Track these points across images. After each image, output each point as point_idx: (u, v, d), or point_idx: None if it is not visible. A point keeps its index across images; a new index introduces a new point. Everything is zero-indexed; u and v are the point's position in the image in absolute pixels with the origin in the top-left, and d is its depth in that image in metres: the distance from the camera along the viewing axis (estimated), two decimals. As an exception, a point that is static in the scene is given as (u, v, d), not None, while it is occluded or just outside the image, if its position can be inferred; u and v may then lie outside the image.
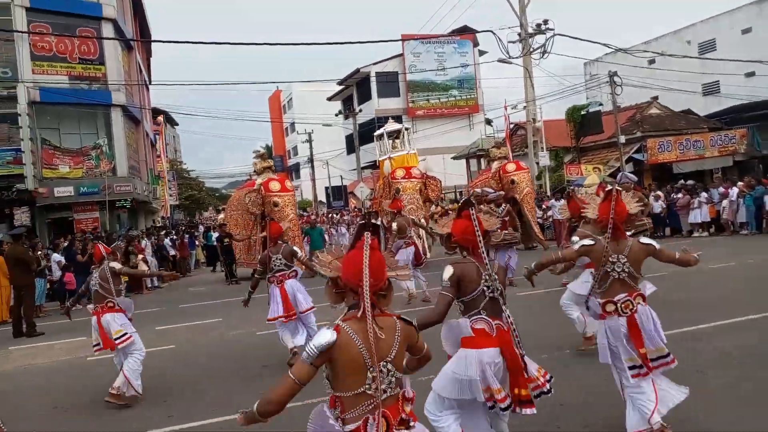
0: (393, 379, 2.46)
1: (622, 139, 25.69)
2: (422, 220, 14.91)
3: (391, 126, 18.50)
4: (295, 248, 7.70)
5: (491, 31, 22.11)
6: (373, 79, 42.32)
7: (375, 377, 2.38)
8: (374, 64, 42.28)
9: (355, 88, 45.31)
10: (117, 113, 22.42)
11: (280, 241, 7.64)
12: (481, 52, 44.20)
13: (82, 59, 21.62)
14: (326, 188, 50.47)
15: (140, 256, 16.90)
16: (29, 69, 20.24)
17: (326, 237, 21.00)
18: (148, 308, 12.97)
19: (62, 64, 21.17)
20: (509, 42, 24.50)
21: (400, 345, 2.50)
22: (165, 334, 9.94)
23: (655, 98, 30.76)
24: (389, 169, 16.18)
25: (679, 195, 18.54)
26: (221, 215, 33.87)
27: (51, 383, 7.65)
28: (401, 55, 42.21)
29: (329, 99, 49.37)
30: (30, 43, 20.29)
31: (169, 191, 36.16)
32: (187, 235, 22.62)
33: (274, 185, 15.66)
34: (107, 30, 22.02)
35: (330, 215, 29.96)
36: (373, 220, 2.81)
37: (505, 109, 27.50)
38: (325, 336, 2.40)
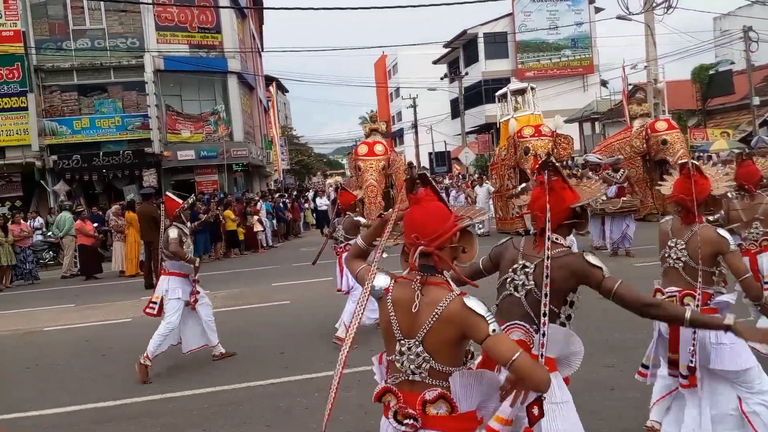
0: (425, 365, 2.04)
1: (756, 100, 23.50)
2: None
3: (515, 85, 17.59)
4: (358, 218, 7.00)
5: (610, -14, 20.61)
6: (480, 40, 41.18)
7: (402, 352, 2.08)
8: (482, 24, 41.08)
9: (461, 51, 44.38)
10: (233, 80, 23.36)
11: (349, 212, 7.11)
12: (597, 9, 41.68)
13: (201, 28, 22.61)
14: (429, 154, 50.25)
15: (255, 217, 17.73)
16: (154, 39, 21.48)
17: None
18: (265, 265, 13.64)
19: (183, 34, 22.26)
20: (630, -3, 22.86)
21: (435, 327, 2.01)
22: (281, 290, 10.40)
23: (798, 54, 27.70)
24: (515, 128, 15.06)
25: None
26: (329, 180, 34.82)
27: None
28: (511, 14, 40.70)
29: (435, 62, 48.69)
30: (155, 15, 21.48)
31: (281, 156, 37.48)
32: (298, 199, 23.51)
33: (362, 149, 15.50)
34: (223, -1, 22.88)
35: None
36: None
37: (623, 69, 25.87)
38: (381, 280, 2.17)
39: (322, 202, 21.17)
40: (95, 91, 21.60)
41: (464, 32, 41.48)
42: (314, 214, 23.32)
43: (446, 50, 45.85)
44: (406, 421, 2.04)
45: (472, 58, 42.82)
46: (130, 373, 6.15)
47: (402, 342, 2.07)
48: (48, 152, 20.50)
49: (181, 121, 22.33)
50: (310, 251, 16.81)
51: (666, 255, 3.59)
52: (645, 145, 13.74)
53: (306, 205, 24.38)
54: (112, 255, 15.07)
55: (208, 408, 5.18)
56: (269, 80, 37.95)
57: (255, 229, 17.64)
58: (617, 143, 14.61)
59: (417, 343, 2.04)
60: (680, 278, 3.49)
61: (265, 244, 18.33)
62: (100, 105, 21.50)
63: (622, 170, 11.79)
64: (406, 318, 2.06)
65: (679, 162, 3.85)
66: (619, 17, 23.39)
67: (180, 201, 6.58)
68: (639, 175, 14.23)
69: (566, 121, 34.70)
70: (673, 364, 3.43)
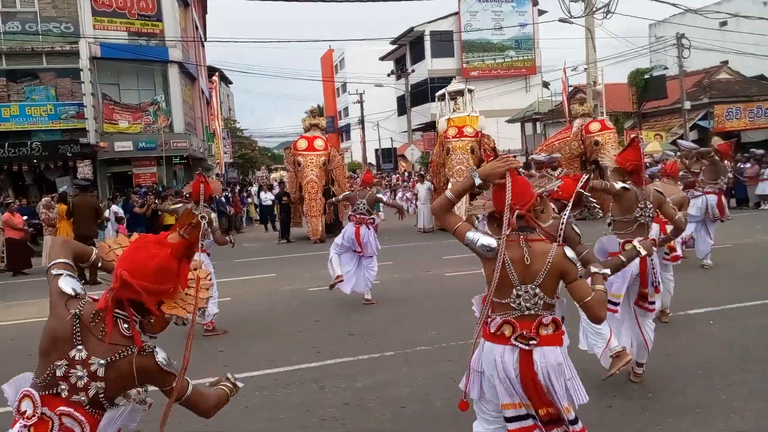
0: (540, 301, 2.72)
1: (688, 104, 24.57)
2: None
3: (454, 86, 17.87)
4: (380, 195, 8.97)
5: (553, -11, 21.09)
6: (427, 38, 41.48)
7: (519, 295, 2.72)
8: (429, 22, 41.40)
9: (408, 48, 44.58)
10: (174, 70, 22.66)
11: (369, 188, 8.35)
12: (541, 12, 42.71)
13: (141, 15, 21.83)
14: (376, 150, 50.31)
15: (196, 211, 17.29)
16: (90, 24, 20.58)
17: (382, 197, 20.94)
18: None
19: (122, 20, 21.43)
20: (571, 1, 23.44)
21: (548, 273, 2.69)
22: (221, 287, 10.12)
23: (725, 63, 29.10)
24: (442, 129, 15.56)
25: (748, 165, 17.63)
26: (274, 174, 34.35)
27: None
28: (457, 13, 41.19)
29: (382, 59, 48.75)
30: (91, -1, 20.62)
31: (224, 149, 36.67)
32: (240, 193, 23.03)
33: (301, 143, 15.40)
34: (165, -15, 22.14)
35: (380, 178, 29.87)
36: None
37: (564, 71, 26.59)
38: (488, 240, 2.72)
39: (267, 197, 20.80)
40: (26, 77, 20.53)
41: (411, 29, 41.69)
42: (257, 209, 22.93)
43: (393, 47, 45.95)
44: (531, 342, 2.72)
45: (418, 56, 43.10)
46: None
47: (518, 287, 2.73)
48: (-27, 140, 19.40)
49: (118, 111, 21.53)
50: (251, 247, 16.58)
51: (639, 215, 4.57)
52: (582, 147, 14.13)
53: (249, 200, 23.94)
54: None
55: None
56: (212, 71, 37.07)
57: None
58: (558, 143, 14.99)
59: (534, 286, 2.71)
60: (645, 231, 4.62)
61: (206, 240, 17.87)
62: (31, 92, 20.44)
63: (560, 169, 12.10)
64: (520, 269, 2.71)
65: (631, 136, 4.98)
66: (561, 20, 23.98)
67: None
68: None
69: (508, 121, 35.43)
70: (642, 298, 4.63)
